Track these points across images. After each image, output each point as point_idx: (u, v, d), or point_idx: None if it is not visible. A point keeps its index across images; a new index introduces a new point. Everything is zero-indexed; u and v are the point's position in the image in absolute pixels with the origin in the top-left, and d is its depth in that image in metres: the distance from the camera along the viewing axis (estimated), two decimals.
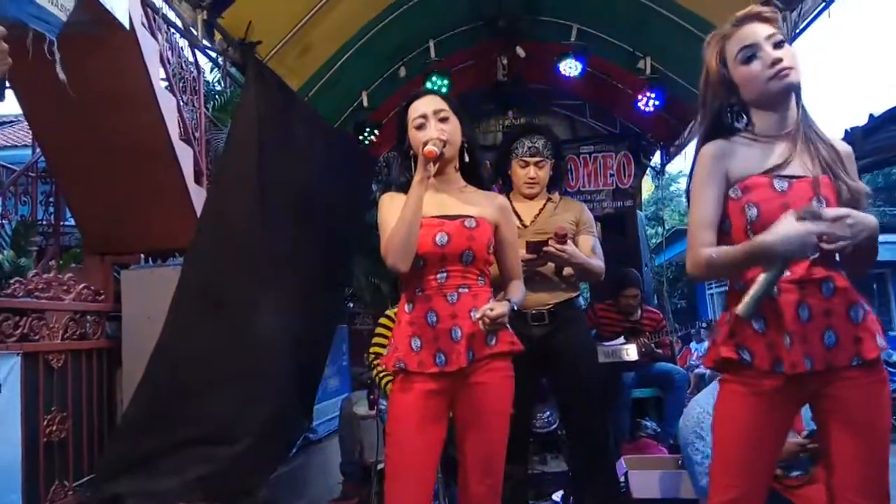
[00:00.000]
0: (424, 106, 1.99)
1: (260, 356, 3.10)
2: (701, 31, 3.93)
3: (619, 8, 4.27)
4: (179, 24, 2.88)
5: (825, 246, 1.43)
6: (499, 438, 1.95)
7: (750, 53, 1.56)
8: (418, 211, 1.88)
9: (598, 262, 2.60)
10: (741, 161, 1.60)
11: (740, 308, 1.49)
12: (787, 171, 1.57)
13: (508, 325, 1.95)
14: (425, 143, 1.88)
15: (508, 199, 2.73)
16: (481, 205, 2.01)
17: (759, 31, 1.57)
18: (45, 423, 3.04)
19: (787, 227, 1.44)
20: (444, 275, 1.92)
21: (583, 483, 2.74)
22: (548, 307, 2.60)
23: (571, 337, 2.63)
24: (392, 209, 1.94)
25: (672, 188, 18.90)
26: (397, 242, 1.86)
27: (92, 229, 5.45)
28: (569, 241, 2.46)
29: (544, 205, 2.70)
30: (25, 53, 1.07)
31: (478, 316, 1.84)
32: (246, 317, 3.11)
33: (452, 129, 1.97)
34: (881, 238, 1.56)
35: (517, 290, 2.06)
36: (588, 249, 2.60)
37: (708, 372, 9.38)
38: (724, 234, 1.61)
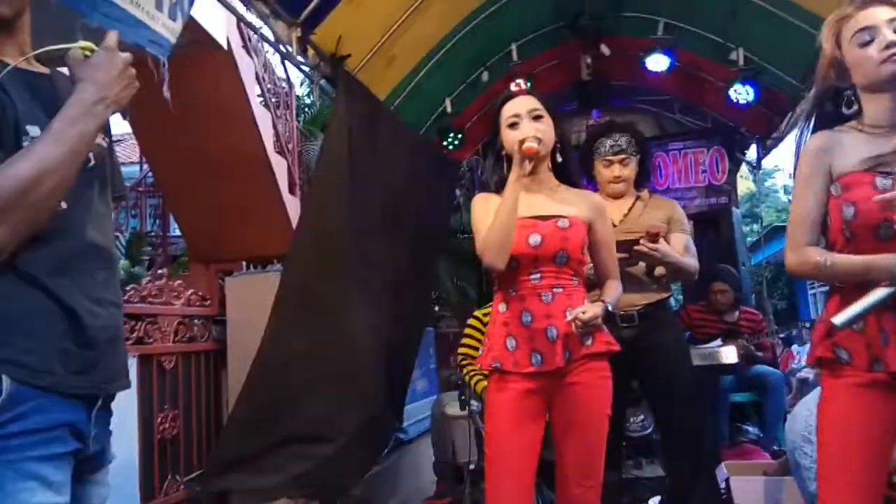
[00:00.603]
0: (518, 105, 1.99)
1: (353, 359, 3.21)
2: (795, 19, 3.74)
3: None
4: (274, 40, 3.01)
5: None
6: (598, 439, 1.93)
7: (868, 37, 1.50)
8: (515, 209, 1.88)
9: (691, 261, 2.53)
10: (845, 155, 1.53)
11: (838, 318, 1.45)
12: (893, 168, 1.49)
13: (604, 326, 1.93)
14: (522, 141, 1.87)
15: None
16: (575, 204, 1.99)
17: (881, 14, 1.50)
18: (159, 421, 3.25)
19: None
20: (538, 275, 1.91)
21: (682, 489, 2.66)
22: (637, 308, 2.55)
23: (662, 338, 2.57)
24: (486, 209, 1.95)
25: (768, 183, 18.05)
26: (494, 241, 1.87)
27: (197, 239, 5.82)
28: (661, 240, 2.41)
29: (633, 203, 2.65)
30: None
31: (570, 318, 1.83)
32: (340, 321, 3.22)
33: (546, 128, 1.96)
34: None
35: (613, 290, 2.03)
36: (681, 248, 2.53)
37: (812, 376, 8.89)
38: (824, 230, 1.56)
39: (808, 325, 5.19)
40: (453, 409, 3.59)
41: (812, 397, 2.63)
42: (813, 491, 2.42)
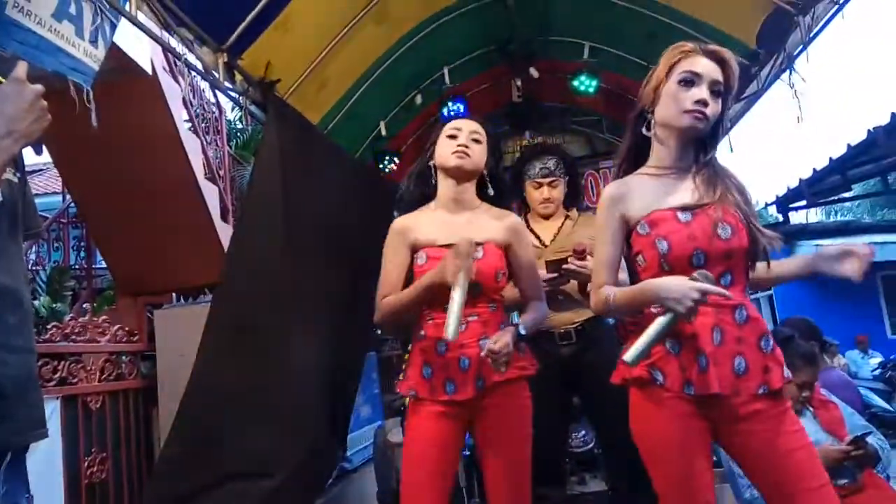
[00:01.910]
0: (464, 124, 2.05)
1: (292, 389, 3.13)
2: (714, 41, 3.92)
3: (629, 23, 4.28)
4: (200, 67, 2.94)
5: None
6: (520, 460, 1.96)
7: (690, 79, 1.59)
8: (422, 303, 1.93)
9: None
10: (639, 199, 1.64)
11: (627, 355, 1.54)
12: (688, 203, 1.60)
13: (522, 349, 1.98)
14: (455, 287, 1.80)
15: (526, 220, 2.75)
16: (492, 228, 2.02)
17: (712, 71, 1.60)
18: (87, 465, 3.08)
19: (674, 279, 1.51)
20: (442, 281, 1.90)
21: (624, 502, 2.69)
22: (574, 326, 2.58)
23: (600, 354, 2.59)
24: (395, 246, 2.01)
25: None
26: (389, 315, 1.99)
27: (123, 271, 5.58)
28: (588, 257, 2.45)
29: (563, 222, 2.70)
30: (56, 106, 1.12)
31: (484, 353, 1.85)
32: (276, 350, 3.14)
33: (479, 152, 2.02)
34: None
35: (533, 311, 2.06)
36: None
37: None
38: (641, 267, 1.65)
39: None
40: (396, 436, 3.54)
41: None
42: (748, 498, 2.50)
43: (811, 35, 3.09)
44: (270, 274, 3.16)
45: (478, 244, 1.95)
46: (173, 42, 2.77)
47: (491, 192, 2.08)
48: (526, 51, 4.76)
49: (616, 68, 4.90)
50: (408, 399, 2.02)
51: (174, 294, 5.05)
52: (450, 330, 1.74)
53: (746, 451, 1.56)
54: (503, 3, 4.21)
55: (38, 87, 1.12)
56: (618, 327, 4.35)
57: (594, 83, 4.69)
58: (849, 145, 3.91)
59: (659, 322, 1.52)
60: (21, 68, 1.12)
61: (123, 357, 3.53)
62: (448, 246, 1.93)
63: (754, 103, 4.08)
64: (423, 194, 2.06)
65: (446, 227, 2.00)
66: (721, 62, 1.61)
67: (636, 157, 1.72)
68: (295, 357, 3.18)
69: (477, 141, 2.02)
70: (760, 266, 1.62)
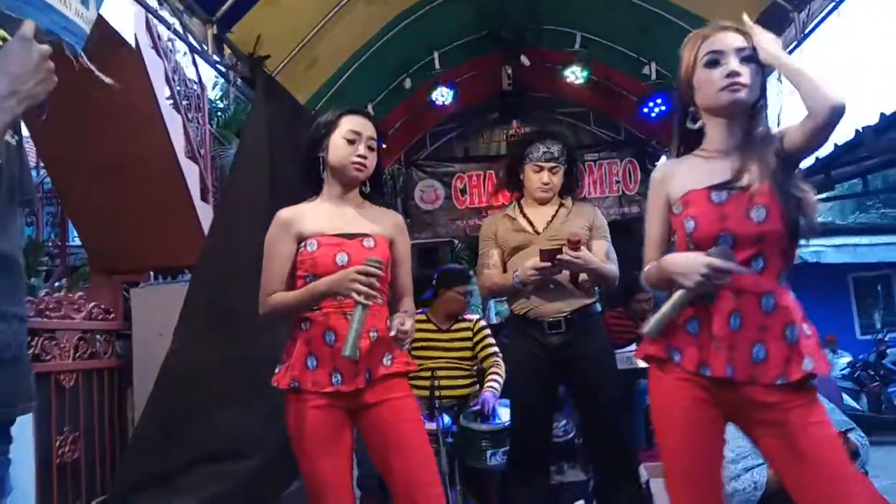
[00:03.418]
0: (363, 126, 1.98)
1: (272, 371, 3.07)
2: None
3: (623, 14, 4.28)
4: (191, 39, 2.85)
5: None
6: (420, 448, 1.91)
7: (714, 59, 1.55)
8: (306, 308, 1.90)
9: (612, 267, 2.58)
10: (681, 179, 1.64)
11: (646, 328, 1.58)
12: (725, 182, 1.57)
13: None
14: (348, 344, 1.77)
15: (519, 205, 2.72)
16: (379, 222, 2.02)
17: (731, 41, 1.55)
18: (58, 444, 3.00)
19: (685, 255, 1.54)
20: (343, 294, 1.87)
21: (608, 494, 2.69)
22: (564, 315, 2.56)
23: (589, 344, 2.59)
24: (282, 240, 1.95)
25: None
26: (273, 314, 1.97)
27: (98, 248, 5.46)
28: (582, 248, 2.43)
29: (557, 210, 2.67)
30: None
31: (393, 333, 1.84)
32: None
33: (373, 161, 1.99)
34: (883, 239, 1.53)
35: (407, 305, 2.07)
36: (602, 254, 2.57)
37: None
38: (674, 247, 1.66)
39: None
40: None
41: None
42: (729, 491, 2.51)
43: (806, 31, 3.10)
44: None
45: (369, 235, 1.96)
46: (162, 12, 2.68)
47: (367, 189, 2.07)
48: (517, 38, 4.73)
49: (606, 60, 4.90)
50: (286, 391, 1.94)
51: (152, 273, 4.94)
52: (349, 348, 1.73)
53: (764, 439, 1.55)
54: None
55: (46, 47, 1.06)
56: (604, 319, 4.37)
57: (585, 74, 4.68)
58: (836, 144, 3.95)
59: (674, 297, 1.53)
60: (28, 26, 1.06)
61: (98, 335, 3.43)
62: (338, 236, 1.93)
63: None
64: (312, 189, 2.03)
65: (335, 218, 1.97)
66: (740, 32, 1.58)
67: (687, 146, 1.70)
68: (275, 337, 3.12)
69: (372, 149, 1.99)
70: None
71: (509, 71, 5.08)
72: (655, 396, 1.65)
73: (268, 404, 3.01)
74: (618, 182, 5.98)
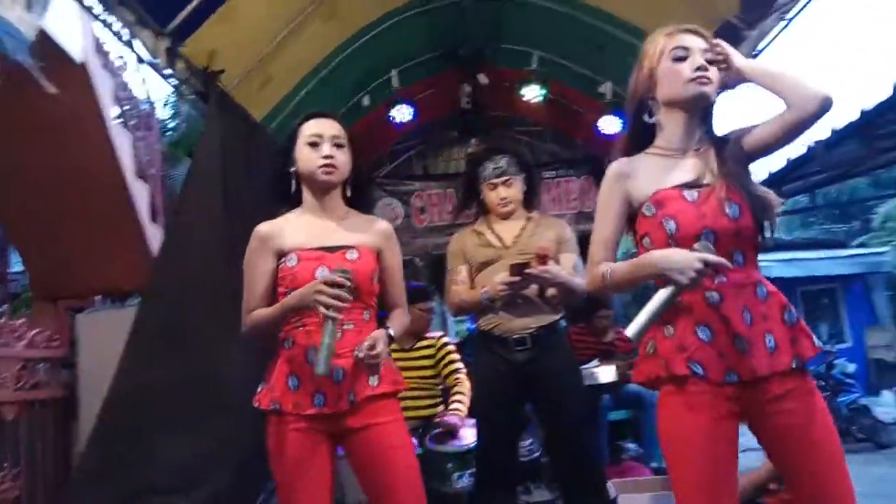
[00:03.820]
0: (323, 127, 1.90)
1: (223, 401, 2.95)
2: None
3: (579, 34, 4.33)
4: (142, 52, 2.76)
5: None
6: (407, 472, 1.83)
7: (683, 55, 1.58)
8: (284, 316, 1.83)
9: (581, 281, 2.55)
10: (644, 178, 1.61)
11: (630, 330, 1.48)
12: (693, 181, 1.58)
13: (393, 363, 1.92)
14: (326, 307, 1.69)
15: (487, 222, 2.69)
16: (363, 232, 1.94)
17: (698, 43, 1.59)
18: None
19: (675, 250, 1.48)
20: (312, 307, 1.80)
21: None
22: (530, 331, 2.54)
23: (555, 360, 2.56)
24: (261, 256, 1.88)
25: None
26: (255, 331, 1.90)
27: (42, 272, 5.22)
28: (550, 262, 2.41)
29: (524, 224, 2.65)
30: None
31: (361, 355, 1.75)
32: (210, 355, 2.96)
33: (344, 159, 1.90)
34: (828, 253, 1.54)
35: (398, 318, 2.00)
36: (570, 267, 2.55)
37: None
38: (647, 250, 1.59)
39: None
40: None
41: None
42: None
43: (758, 49, 3.18)
44: (207, 274, 2.99)
45: (352, 247, 1.88)
46: (110, 21, 2.58)
47: (348, 192, 1.98)
48: (475, 57, 4.75)
49: (563, 79, 4.95)
50: (267, 412, 1.85)
51: (98, 298, 4.74)
52: (321, 365, 1.65)
53: (776, 431, 1.51)
54: (456, 6, 4.18)
55: None
56: (568, 335, 4.36)
57: (543, 92, 4.72)
58: (788, 159, 4.08)
59: (660, 295, 1.47)
60: None
61: (41, 364, 3.26)
62: (319, 249, 1.86)
63: None
64: (283, 197, 1.96)
65: (316, 231, 1.90)
66: (702, 36, 1.61)
67: (638, 144, 1.67)
68: (229, 362, 3.00)
69: (340, 146, 1.90)
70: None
71: (468, 89, 5.09)
72: (671, 420, 1.54)
73: (219, 437, 2.89)
74: (575, 199, 6.02)
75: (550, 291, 2.50)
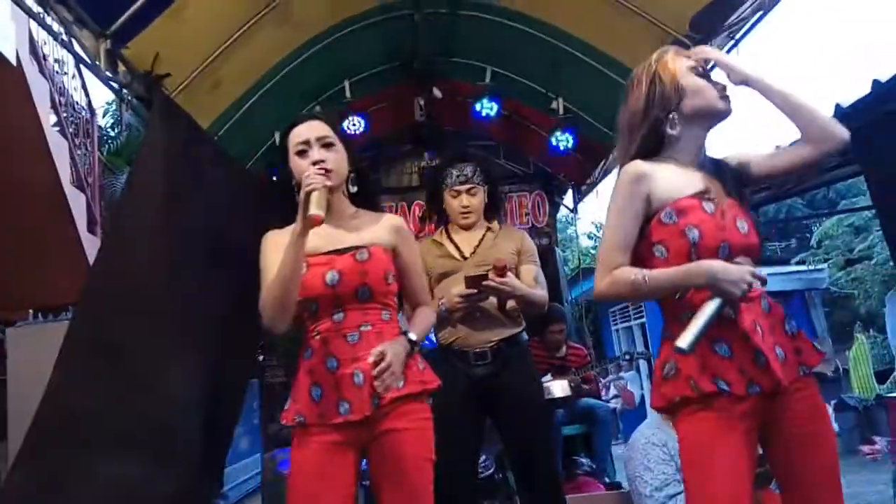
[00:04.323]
0: (307, 131, 1.83)
1: (164, 415, 2.79)
2: (612, 72, 4.06)
3: (531, 49, 4.36)
4: (80, 53, 2.62)
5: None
6: (422, 490, 1.76)
7: (704, 72, 1.64)
8: (297, 268, 1.71)
9: (541, 293, 2.54)
10: (665, 183, 1.60)
11: (681, 342, 1.46)
12: (709, 195, 1.60)
13: (421, 363, 1.84)
14: (307, 194, 1.65)
15: (446, 231, 2.65)
16: (374, 231, 1.88)
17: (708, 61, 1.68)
18: None
19: (729, 265, 1.48)
20: (342, 315, 1.77)
21: None
22: (491, 345, 2.49)
23: (516, 374, 2.52)
24: (275, 253, 1.76)
25: (569, 231, 19.58)
26: (274, 302, 1.71)
27: None
28: (509, 273, 2.38)
29: (484, 235, 2.61)
30: None
31: (371, 360, 1.70)
32: (148, 370, 2.79)
33: (337, 158, 1.84)
34: (769, 270, 1.60)
35: (421, 318, 1.93)
36: (531, 279, 2.52)
37: (619, 406, 9.56)
38: (660, 259, 1.58)
39: (627, 356, 5.51)
40: (287, 466, 3.28)
41: (646, 426, 2.73)
42: None
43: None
44: (146, 287, 2.83)
45: (362, 247, 1.82)
46: (48, 22, 2.44)
47: (353, 188, 1.92)
48: (429, 70, 4.74)
49: (516, 95, 4.97)
50: (293, 427, 1.77)
51: (31, 312, 4.48)
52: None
53: (781, 435, 1.53)
54: (410, 18, 4.15)
55: None
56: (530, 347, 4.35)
57: (495, 107, 4.72)
58: None
59: (710, 306, 1.47)
60: None
61: None
62: (328, 253, 1.81)
63: None
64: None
65: (325, 235, 1.83)
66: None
67: (647, 154, 1.66)
68: (166, 382, 2.84)
69: (330, 146, 1.84)
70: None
71: (422, 102, 5.07)
72: (698, 438, 1.52)
73: (157, 456, 2.73)
74: (527, 214, 6.06)
75: (510, 304, 2.47)
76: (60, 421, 2.58)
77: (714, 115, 1.63)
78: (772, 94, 1.59)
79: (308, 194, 1.65)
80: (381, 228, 1.89)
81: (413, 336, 1.82)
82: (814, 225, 15.84)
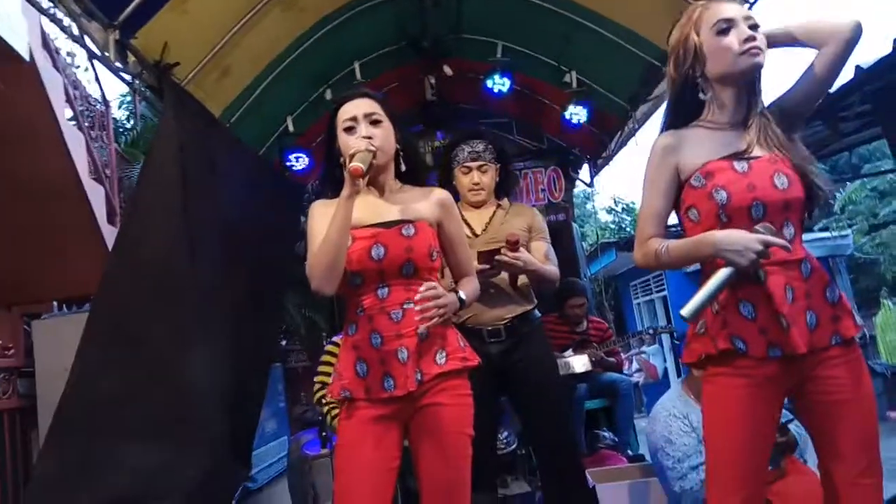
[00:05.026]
0: (355, 108, 1.84)
1: (186, 403, 2.84)
2: (626, 42, 3.99)
3: (543, 22, 4.29)
4: (90, 45, 2.62)
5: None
6: (460, 463, 1.80)
7: (726, 26, 1.58)
8: (345, 230, 1.73)
9: (553, 268, 2.53)
10: (694, 150, 1.61)
11: (685, 310, 1.48)
12: (743, 153, 1.59)
13: (462, 341, 1.85)
14: (351, 156, 1.71)
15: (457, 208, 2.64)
16: (420, 206, 1.88)
17: (738, 11, 1.60)
18: None
19: (734, 231, 1.49)
20: (386, 290, 1.78)
21: (556, 501, 2.61)
22: (504, 322, 2.49)
23: (531, 352, 2.52)
24: (322, 220, 1.78)
25: (588, 206, 19.41)
26: (322, 265, 1.73)
27: None
28: (521, 248, 2.37)
29: (494, 212, 2.60)
30: None
31: (417, 300, 1.74)
32: (170, 357, 2.84)
33: (384, 134, 1.84)
34: None
35: (469, 284, 1.96)
36: (542, 255, 2.51)
37: (641, 380, 9.53)
38: (693, 222, 1.61)
39: (651, 330, 5.49)
40: (313, 449, 3.32)
41: (667, 399, 2.72)
42: (677, 491, 2.48)
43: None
44: (165, 273, 2.87)
45: (409, 221, 1.83)
46: (58, 16, 2.45)
47: (403, 167, 1.92)
48: (439, 48, 4.68)
49: (528, 70, 4.90)
50: (339, 402, 1.81)
51: (55, 303, 4.56)
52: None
53: (816, 403, 1.53)
54: None
55: None
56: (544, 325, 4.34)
57: (507, 83, 4.67)
58: None
59: (718, 275, 1.47)
60: None
61: None
62: (373, 226, 1.81)
63: (662, 104, 4.16)
64: (340, 185, 1.87)
65: (371, 208, 1.85)
66: (742, 3, 1.65)
67: (685, 118, 1.67)
68: (189, 368, 2.89)
69: (377, 122, 1.84)
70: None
71: (432, 81, 5.02)
72: (715, 396, 1.57)
73: (183, 441, 2.78)
74: (543, 190, 6.01)
75: (522, 280, 2.46)
76: (83, 409, 2.64)
77: (739, 76, 1.59)
78: (790, 37, 1.60)
79: (351, 156, 1.70)
80: (426, 203, 1.89)
81: (462, 295, 1.87)
82: (837, 191, 15.56)
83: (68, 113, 5.30)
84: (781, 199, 1.54)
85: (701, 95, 1.63)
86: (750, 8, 2.84)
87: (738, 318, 1.52)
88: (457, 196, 2.64)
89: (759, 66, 1.58)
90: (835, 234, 11.90)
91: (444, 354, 1.79)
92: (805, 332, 1.50)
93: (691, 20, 1.64)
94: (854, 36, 1.53)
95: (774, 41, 1.60)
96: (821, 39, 1.55)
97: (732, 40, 1.57)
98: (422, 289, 1.75)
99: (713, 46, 1.59)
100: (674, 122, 1.69)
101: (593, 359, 4.09)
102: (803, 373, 1.53)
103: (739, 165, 1.56)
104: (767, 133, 1.60)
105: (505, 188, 2.66)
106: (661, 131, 1.70)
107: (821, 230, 12.88)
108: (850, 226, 13.49)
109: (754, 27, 1.58)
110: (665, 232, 1.65)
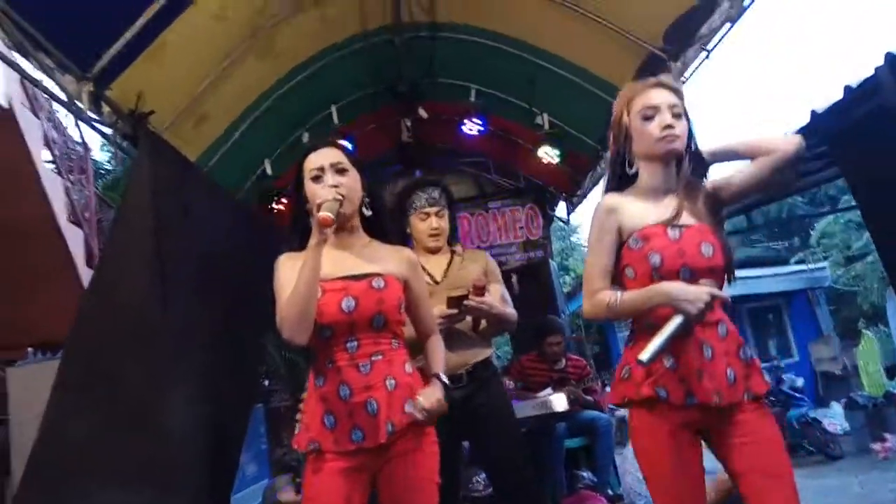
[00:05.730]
0: (321, 158, 1.88)
1: (163, 448, 2.81)
2: (591, 85, 4.12)
3: (512, 67, 4.42)
4: (63, 97, 2.67)
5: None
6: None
7: (651, 113, 1.74)
8: (314, 279, 1.75)
9: (511, 311, 2.58)
10: (633, 213, 1.77)
11: (643, 355, 1.61)
12: (676, 221, 1.75)
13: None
14: (319, 206, 1.75)
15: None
16: (388, 261, 1.91)
17: (666, 98, 1.74)
18: None
19: (688, 285, 1.64)
20: (355, 343, 1.79)
21: None
22: (466, 368, 2.52)
23: (490, 397, 2.55)
24: (288, 272, 1.80)
25: (573, 238, 19.57)
26: (293, 315, 1.73)
27: None
28: (486, 293, 2.42)
29: (451, 258, 2.65)
30: None
31: (410, 410, 1.79)
32: (144, 403, 2.82)
33: (351, 183, 1.87)
34: (771, 271, 1.74)
35: (438, 353, 2.01)
36: (499, 298, 2.56)
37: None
38: (630, 279, 1.76)
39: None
40: (287, 494, 3.29)
41: None
42: None
43: (684, 78, 3.30)
44: (140, 317, 2.87)
45: (378, 275, 1.85)
46: (32, 70, 2.50)
47: (368, 212, 1.95)
48: (414, 92, 4.79)
49: (500, 111, 5.02)
50: (306, 453, 1.81)
51: (30, 350, 4.52)
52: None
53: (731, 449, 1.67)
54: (391, 43, 4.21)
55: None
56: (514, 365, 4.33)
57: (481, 125, 4.78)
58: None
59: (671, 324, 1.60)
60: None
61: None
62: (344, 278, 1.83)
63: None
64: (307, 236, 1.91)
65: (340, 261, 1.87)
66: (671, 89, 1.77)
67: (622, 185, 1.83)
68: (165, 411, 2.86)
69: (343, 171, 1.87)
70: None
71: (408, 123, 5.12)
72: (643, 436, 1.72)
73: (160, 487, 2.75)
74: (521, 228, 6.10)
75: (483, 324, 2.50)
76: (57, 451, 2.61)
77: (657, 156, 1.75)
78: (733, 154, 1.77)
79: (319, 205, 1.75)
80: (394, 260, 1.93)
81: (444, 378, 1.93)
82: (815, 222, 15.83)
83: (47, 155, 5.33)
84: (707, 265, 1.69)
85: (628, 169, 1.79)
86: (744, 11, 2.97)
87: (662, 369, 1.67)
88: (411, 243, 2.66)
89: (673, 153, 1.73)
90: (811, 266, 12.08)
91: (412, 404, 1.81)
92: (725, 386, 1.65)
93: (624, 101, 1.80)
94: (796, 154, 1.67)
95: (715, 158, 1.77)
96: (765, 152, 1.69)
97: (654, 127, 1.72)
98: (419, 415, 1.80)
99: (638, 130, 1.76)
100: (615, 186, 1.84)
101: (571, 397, 4.11)
102: (719, 420, 1.67)
103: (672, 232, 1.72)
104: (695, 204, 1.77)
105: (453, 232, 2.71)
106: (604, 193, 1.85)
107: (797, 262, 13.07)
108: (825, 258, 13.69)
109: (678, 116, 1.73)
110: (610, 285, 1.78)
